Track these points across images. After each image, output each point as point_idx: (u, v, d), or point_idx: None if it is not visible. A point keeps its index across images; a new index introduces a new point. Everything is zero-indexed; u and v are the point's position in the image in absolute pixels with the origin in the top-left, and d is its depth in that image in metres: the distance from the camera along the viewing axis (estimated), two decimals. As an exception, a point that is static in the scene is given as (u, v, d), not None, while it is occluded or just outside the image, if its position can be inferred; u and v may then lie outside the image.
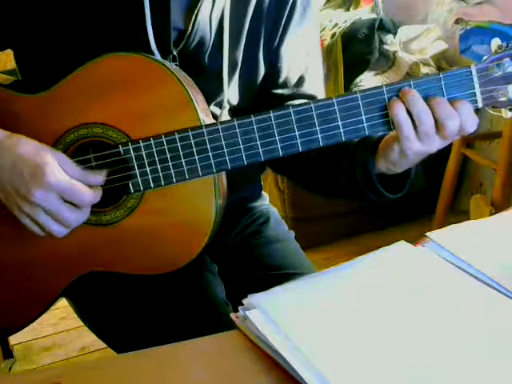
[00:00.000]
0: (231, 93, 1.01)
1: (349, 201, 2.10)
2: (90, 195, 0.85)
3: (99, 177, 0.87)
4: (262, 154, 0.86)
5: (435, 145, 0.83)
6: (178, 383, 0.71)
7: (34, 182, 0.81)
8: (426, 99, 0.82)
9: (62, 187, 0.82)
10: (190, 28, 0.94)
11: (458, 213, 2.44)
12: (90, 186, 0.85)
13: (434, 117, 0.81)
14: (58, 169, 0.82)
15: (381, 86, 0.84)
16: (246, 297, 0.79)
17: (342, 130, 0.85)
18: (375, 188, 0.91)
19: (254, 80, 1.03)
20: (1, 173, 0.83)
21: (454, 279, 0.82)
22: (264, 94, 1.05)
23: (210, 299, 1.01)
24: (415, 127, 0.82)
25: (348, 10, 2.47)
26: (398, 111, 0.81)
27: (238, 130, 0.85)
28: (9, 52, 1.01)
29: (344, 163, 0.95)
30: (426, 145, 0.83)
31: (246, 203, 1.17)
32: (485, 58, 0.83)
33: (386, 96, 0.83)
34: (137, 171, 0.88)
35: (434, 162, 2.06)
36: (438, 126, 0.82)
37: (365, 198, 0.95)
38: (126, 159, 0.88)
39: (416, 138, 0.82)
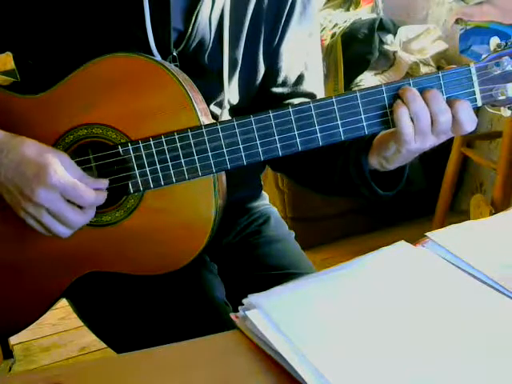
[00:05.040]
0: (231, 92, 1.01)
1: (346, 199, 2.09)
2: (92, 196, 0.85)
3: (100, 185, 0.87)
4: (261, 154, 0.86)
5: (429, 143, 0.84)
6: (178, 383, 0.71)
7: (37, 183, 0.82)
8: (422, 92, 0.82)
9: (64, 187, 0.82)
10: (190, 29, 0.94)
11: (458, 213, 2.44)
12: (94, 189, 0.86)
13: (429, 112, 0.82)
14: (61, 169, 0.83)
15: (380, 85, 0.84)
16: (246, 297, 0.79)
17: (341, 130, 0.85)
18: (368, 184, 0.92)
19: (254, 79, 1.03)
20: (5, 174, 0.83)
21: (454, 279, 0.82)
22: (263, 92, 1.05)
23: (210, 299, 1.00)
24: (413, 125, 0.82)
25: (348, 10, 2.46)
26: (402, 116, 0.82)
27: (237, 130, 0.85)
28: (9, 52, 1.01)
29: (338, 160, 0.96)
30: (420, 142, 0.83)
31: (246, 203, 1.17)
32: (484, 56, 0.83)
33: (385, 95, 0.84)
34: (136, 171, 0.88)
35: (434, 162, 2.07)
36: (431, 121, 0.82)
37: (359, 194, 0.96)
38: (125, 159, 0.88)
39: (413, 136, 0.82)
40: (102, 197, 0.87)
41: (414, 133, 0.82)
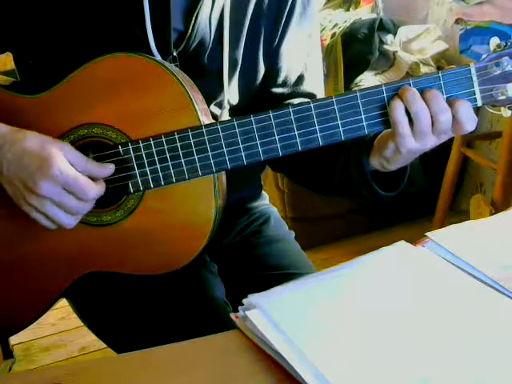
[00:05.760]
0: (231, 93, 1.01)
1: (346, 199, 2.09)
2: (93, 190, 0.85)
3: (106, 170, 0.87)
4: (261, 154, 0.86)
5: (429, 143, 0.84)
6: (178, 383, 0.71)
7: (40, 175, 0.82)
8: (422, 92, 0.82)
9: (66, 180, 0.82)
10: (190, 29, 0.94)
11: (458, 213, 2.44)
12: (93, 179, 0.85)
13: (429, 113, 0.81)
14: (63, 161, 0.83)
15: (380, 85, 0.84)
16: (246, 297, 0.79)
17: (341, 130, 0.85)
18: (369, 185, 0.92)
19: (254, 79, 1.03)
20: (8, 167, 0.84)
21: (454, 279, 0.82)
22: (263, 93, 1.05)
23: (210, 299, 1.00)
24: (411, 125, 0.82)
25: (348, 10, 2.46)
26: (396, 109, 0.81)
27: (237, 130, 0.85)
28: (9, 52, 1.01)
29: (339, 160, 0.96)
30: (421, 143, 0.83)
31: (246, 203, 1.17)
32: (484, 56, 0.83)
33: (385, 95, 0.83)
34: (136, 171, 0.88)
35: (434, 162, 2.07)
36: (432, 121, 0.82)
37: (359, 195, 0.95)
38: (125, 159, 0.88)
39: (411, 136, 0.82)
40: (102, 188, 0.87)
41: (410, 129, 0.82)
